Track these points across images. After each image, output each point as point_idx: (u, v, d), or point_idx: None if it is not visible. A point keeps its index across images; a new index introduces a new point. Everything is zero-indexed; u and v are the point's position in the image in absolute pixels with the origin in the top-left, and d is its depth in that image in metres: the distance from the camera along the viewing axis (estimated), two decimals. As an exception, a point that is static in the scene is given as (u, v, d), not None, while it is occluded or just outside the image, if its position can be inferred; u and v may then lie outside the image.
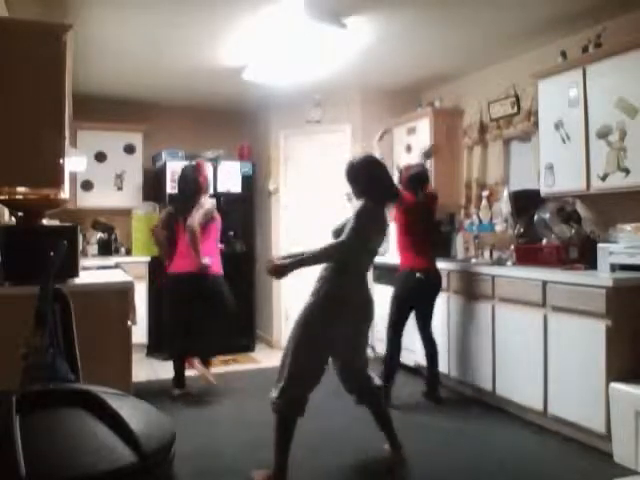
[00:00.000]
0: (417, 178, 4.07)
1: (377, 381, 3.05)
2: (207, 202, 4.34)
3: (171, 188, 5.60)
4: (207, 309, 4.29)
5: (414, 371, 4.77)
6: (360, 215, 2.83)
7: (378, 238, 2.99)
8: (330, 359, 2.92)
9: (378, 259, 5.33)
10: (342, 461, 3.12)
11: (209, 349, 4.48)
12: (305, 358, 2.76)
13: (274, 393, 2.76)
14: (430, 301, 4.08)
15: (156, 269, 5.32)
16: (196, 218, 4.18)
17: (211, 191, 4.72)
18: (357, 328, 2.92)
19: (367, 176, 2.97)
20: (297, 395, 2.74)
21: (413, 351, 4.72)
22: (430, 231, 4.13)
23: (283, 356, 2.82)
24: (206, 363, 4.42)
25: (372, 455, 3.17)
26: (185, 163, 5.68)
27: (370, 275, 5.25)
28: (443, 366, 4.31)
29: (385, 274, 5.20)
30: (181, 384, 4.31)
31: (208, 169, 4.78)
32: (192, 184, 4.33)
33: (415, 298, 4.04)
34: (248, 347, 5.88)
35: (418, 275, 3.94)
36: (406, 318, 4.05)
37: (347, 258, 2.82)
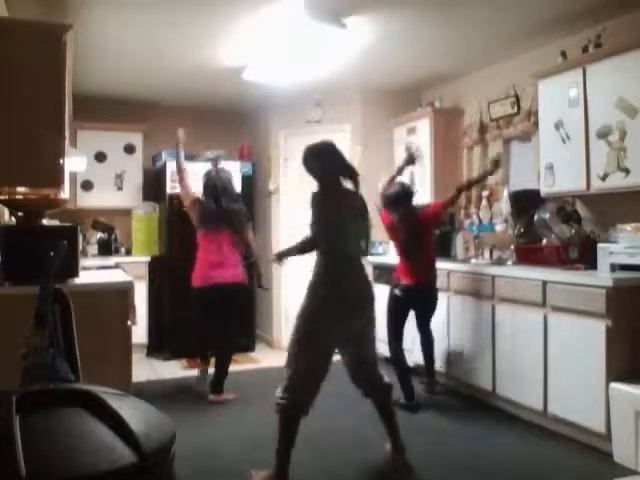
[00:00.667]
0: (395, 198, 4.04)
1: (387, 380, 3.03)
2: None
3: (171, 188, 5.60)
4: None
5: (414, 371, 4.77)
6: (311, 206, 2.90)
7: (342, 218, 2.92)
8: (339, 354, 2.93)
9: (378, 259, 5.40)
10: (345, 461, 3.12)
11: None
12: (304, 356, 2.76)
13: (278, 392, 2.76)
14: (422, 311, 4.12)
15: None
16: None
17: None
18: (357, 319, 2.86)
19: (315, 159, 2.99)
20: (301, 395, 2.73)
21: (411, 351, 4.73)
22: (422, 246, 4.03)
23: (287, 355, 2.83)
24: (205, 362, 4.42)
25: (375, 455, 3.16)
26: (185, 163, 5.70)
27: (370, 274, 5.26)
28: (442, 366, 4.32)
29: (385, 274, 5.20)
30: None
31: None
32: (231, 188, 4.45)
33: (401, 308, 4.09)
34: (248, 347, 5.88)
35: (396, 292, 4.04)
36: (399, 324, 4.10)
37: (322, 249, 2.86)
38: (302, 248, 3.05)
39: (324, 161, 2.97)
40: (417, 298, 4.07)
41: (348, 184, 2.97)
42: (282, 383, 2.77)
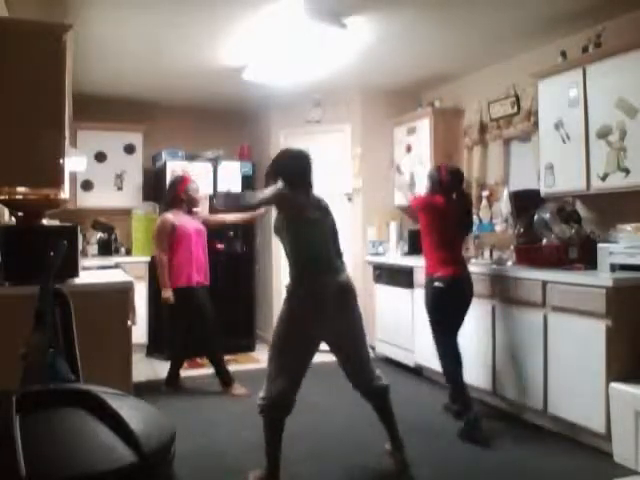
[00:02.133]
0: (457, 177, 3.71)
1: (384, 382, 3.00)
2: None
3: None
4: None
5: (414, 371, 4.77)
6: (281, 206, 2.94)
7: (315, 219, 2.90)
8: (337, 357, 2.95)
9: (378, 259, 5.41)
10: (342, 460, 3.12)
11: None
12: (281, 358, 2.77)
13: (260, 394, 2.78)
14: (457, 312, 3.65)
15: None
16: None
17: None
18: (337, 319, 2.82)
19: (294, 159, 3.05)
20: (280, 395, 2.73)
21: (412, 351, 4.73)
22: (462, 233, 3.80)
23: (268, 357, 2.86)
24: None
25: (374, 454, 3.16)
26: (185, 163, 5.71)
27: (370, 275, 5.25)
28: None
29: (385, 274, 5.21)
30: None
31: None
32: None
33: (442, 306, 3.62)
34: (248, 347, 5.88)
35: (437, 284, 3.58)
36: (446, 325, 3.63)
37: (297, 251, 2.86)
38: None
39: (301, 165, 3.00)
40: (459, 291, 3.60)
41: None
42: (264, 384, 2.78)
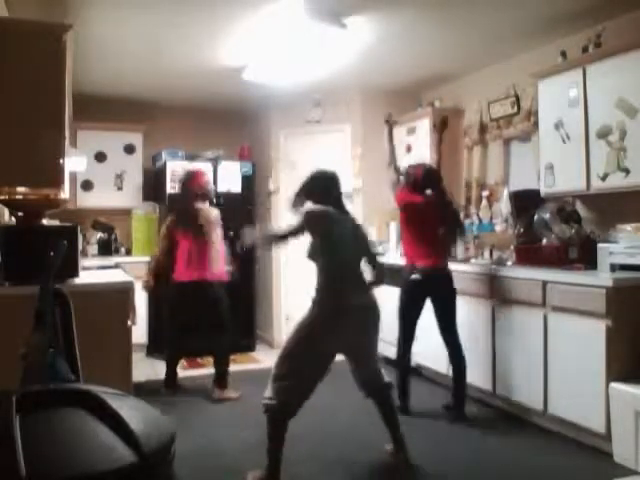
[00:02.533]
0: (428, 177, 3.86)
1: (387, 379, 3.05)
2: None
3: (171, 188, 5.61)
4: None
5: (414, 371, 4.77)
6: (309, 223, 2.95)
7: (342, 233, 2.96)
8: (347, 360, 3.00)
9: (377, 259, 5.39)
10: (345, 459, 3.12)
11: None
12: (294, 362, 2.76)
13: (267, 393, 2.76)
14: (442, 303, 3.79)
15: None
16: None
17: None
18: (358, 335, 2.90)
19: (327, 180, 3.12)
20: (291, 398, 2.74)
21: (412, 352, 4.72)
22: (442, 229, 3.86)
23: (278, 358, 2.83)
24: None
25: (375, 454, 3.17)
26: (185, 163, 5.71)
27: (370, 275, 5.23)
28: (442, 366, 4.30)
29: (385, 274, 5.20)
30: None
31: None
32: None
33: (418, 297, 3.80)
34: (248, 347, 5.88)
35: (414, 276, 3.75)
36: (412, 318, 3.83)
37: (322, 264, 2.91)
38: (284, 235, 2.99)
39: (332, 184, 3.08)
40: (437, 283, 3.77)
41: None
42: (271, 384, 2.77)
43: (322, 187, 3.04)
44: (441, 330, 3.84)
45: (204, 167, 5.74)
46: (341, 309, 2.81)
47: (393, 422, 3.04)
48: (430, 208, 3.80)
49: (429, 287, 3.78)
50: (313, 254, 2.93)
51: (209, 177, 4.56)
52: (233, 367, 4.64)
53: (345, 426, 3.62)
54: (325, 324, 2.79)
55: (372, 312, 2.96)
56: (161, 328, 5.59)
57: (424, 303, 3.82)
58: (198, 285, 4.21)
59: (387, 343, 5.19)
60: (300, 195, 3.04)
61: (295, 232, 2.92)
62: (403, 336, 3.89)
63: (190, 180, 4.38)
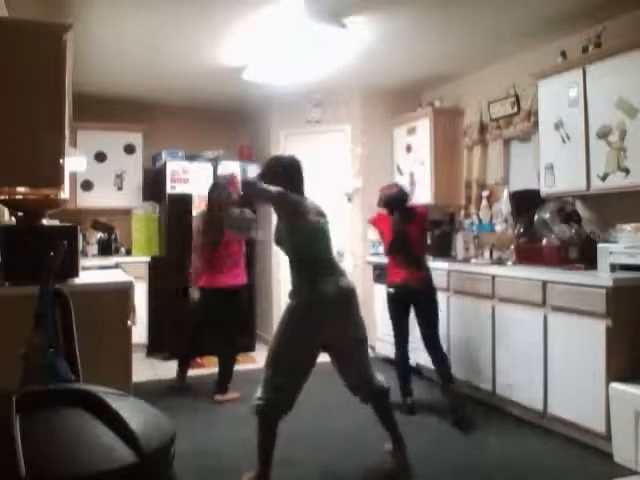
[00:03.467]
0: (395, 200, 3.98)
1: (383, 382, 2.98)
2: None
3: (171, 188, 5.61)
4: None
5: (414, 371, 4.76)
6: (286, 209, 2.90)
7: (318, 222, 2.91)
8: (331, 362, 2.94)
9: (378, 259, 5.40)
10: (343, 460, 3.12)
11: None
12: (282, 361, 2.75)
13: (257, 394, 2.74)
14: (422, 310, 3.90)
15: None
16: None
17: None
18: (338, 320, 2.81)
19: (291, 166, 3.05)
20: (279, 397, 2.71)
21: (412, 351, 4.72)
22: (415, 244, 3.96)
23: (267, 356, 2.83)
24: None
25: (374, 455, 3.16)
26: (185, 163, 5.72)
27: (370, 275, 5.25)
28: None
29: (385, 274, 5.20)
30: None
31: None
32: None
33: (398, 309, 3.98)
34: (248, 347, 5.87)
35: (390, 290, 3.98)
36: (399, 321, 3.98)
37: (300, 255, 2.87)
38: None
39: (296, 172, 3.01)
40: (411, 294, 3.90)
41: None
42: (261, 385, 2.75)
43: (293, 178, 2.96)
44: (422, 336, 3.92)
45: (204, 167, 5.78)
46: (321, 295, 2.75)
47: (391, 424, 3.02)
48: (396, 228, 3.93)
49: (405, 298, 3.95)
50: (281, 240, 2.90)
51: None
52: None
53: (344, 426, 3.62)
54: (308, 316, 2.76)
55: (351, 295, 2.86)
56: (161, 328, 5.60)
57: (408, 308, 3.97)
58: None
59: (386, 343, 5.21)
60: (267, 182, 2.89)
61: (273, 197, 2.81)
62: (397, 337, 4.02)
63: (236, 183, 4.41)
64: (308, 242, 2.85)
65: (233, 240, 4.34)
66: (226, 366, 4.31)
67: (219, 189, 4.35)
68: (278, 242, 2.94)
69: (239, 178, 4.54)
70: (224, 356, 4.37)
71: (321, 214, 2.97)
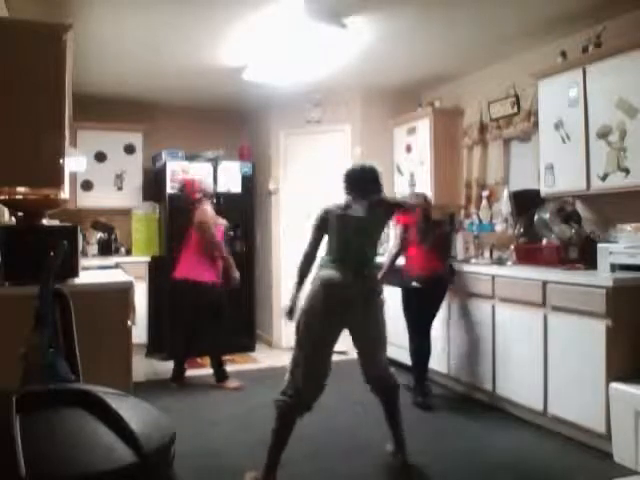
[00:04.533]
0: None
1: (396, 379, 3.08)
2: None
3: (171, 188, 5.60)
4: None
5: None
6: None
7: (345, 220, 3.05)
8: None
9: (378, 259, 5.39)
10: (344, 460, 3.12)
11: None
12: (305, 357, 2.78)
13: (281, 392, 2.78)
14: (429, 304, 4.10)
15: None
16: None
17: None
18: (357, 315, 2.90)
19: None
20: (301, 395, 2.75)
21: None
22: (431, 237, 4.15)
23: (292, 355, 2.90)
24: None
25: (375, 455, 3.16)
26: (185, 163, 5.72)
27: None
28: (442, 366, 4.31)
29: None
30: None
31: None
32: None
33: (412, 302, 4.09)
34: (248, 347, 5.88)
35: (413, 283, 4.02)
36: (415, 319, 4.10)
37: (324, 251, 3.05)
38: (302, 274, 2.99)
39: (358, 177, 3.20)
40: (428, 287, 4.04)
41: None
42: (286, 379, 2.81)
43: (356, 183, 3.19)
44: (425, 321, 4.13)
45: (204, 167, 5.77)
46: (338, 291, 2.84)
47: (396, 422, 3.05)
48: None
49: (427, 292, 4.05)
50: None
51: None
52: (233, 367, 4.65)
53: (346, 426, 3.62)
54: (324, 309, 2.82)
55: (370, 293, 2.96)
56: (161, 328, 5.60)
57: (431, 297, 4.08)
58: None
59: (397, 347, 5.21)
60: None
61: (315, 240, 3.05)
62: (421, 327, 4.09)
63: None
64: (337, 235, 3.07)
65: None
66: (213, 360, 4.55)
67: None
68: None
69: (196, 181, 4.78)
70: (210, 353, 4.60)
71: (368, 212, 3.10)
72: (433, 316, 4.13)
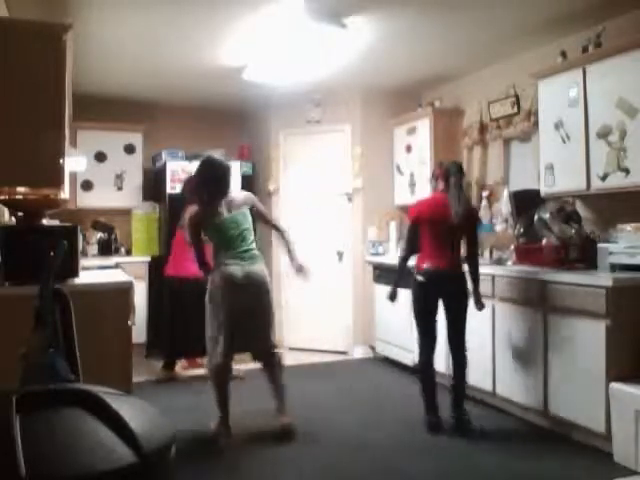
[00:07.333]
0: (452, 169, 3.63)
1: (276, 349, 3.47)
2: None
3: (171, 188, 5.60)
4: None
5: (412, 370, 4.77)
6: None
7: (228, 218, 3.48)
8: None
9: (377, 259, 5.41)
10: (344, 460, 3.11)
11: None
12: (213, 327, 3.35)
13: (207, 364, 3.46)
14: (453, 305, 3.58)
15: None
16: None
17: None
18: (247, 296, 3.34)
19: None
20: (216, 363, 3.33)
21: (412, 351, 4.72)
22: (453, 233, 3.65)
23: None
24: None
25: (373, 454, 3.17)
26: (185, 163, 5.71)
27: (370, 275, 5.26)
28: (442, 366, 4.30)
29: (385, 274, 5.20)
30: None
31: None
32: None
33: (426, 299, 3.59)
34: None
35: (418, 277, 3.58)
36: (426, 321, 3.59)
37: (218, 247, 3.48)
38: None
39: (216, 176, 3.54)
40: (445, 284, 3.56)
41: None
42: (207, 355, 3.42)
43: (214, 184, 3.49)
44: (450, 333, 3.62)
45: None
46: (227, 276, 3.33)
47: (277, 387, 3.38)
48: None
49: (438, 289, 3.59)
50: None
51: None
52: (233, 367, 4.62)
53: (345, 425, 3.62)
54: (219, 291, 3.34)
55: (258, 280, 3.42)
56: (161, 328, 5.59)
57: (436, 304, 3.59)
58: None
59: (385, 343, 5.20)
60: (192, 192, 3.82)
61: (193, 237, 3.55)
62: (421, 339, 3.63)
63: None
64: (217, 237, 3.55)
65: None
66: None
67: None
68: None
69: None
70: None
71: (232, 208, 3.54)
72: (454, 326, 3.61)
